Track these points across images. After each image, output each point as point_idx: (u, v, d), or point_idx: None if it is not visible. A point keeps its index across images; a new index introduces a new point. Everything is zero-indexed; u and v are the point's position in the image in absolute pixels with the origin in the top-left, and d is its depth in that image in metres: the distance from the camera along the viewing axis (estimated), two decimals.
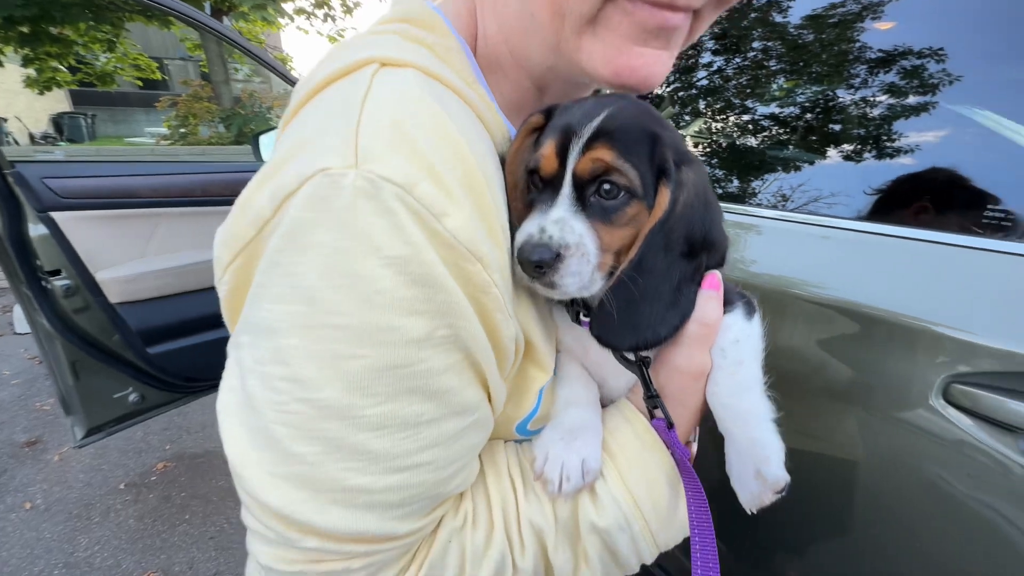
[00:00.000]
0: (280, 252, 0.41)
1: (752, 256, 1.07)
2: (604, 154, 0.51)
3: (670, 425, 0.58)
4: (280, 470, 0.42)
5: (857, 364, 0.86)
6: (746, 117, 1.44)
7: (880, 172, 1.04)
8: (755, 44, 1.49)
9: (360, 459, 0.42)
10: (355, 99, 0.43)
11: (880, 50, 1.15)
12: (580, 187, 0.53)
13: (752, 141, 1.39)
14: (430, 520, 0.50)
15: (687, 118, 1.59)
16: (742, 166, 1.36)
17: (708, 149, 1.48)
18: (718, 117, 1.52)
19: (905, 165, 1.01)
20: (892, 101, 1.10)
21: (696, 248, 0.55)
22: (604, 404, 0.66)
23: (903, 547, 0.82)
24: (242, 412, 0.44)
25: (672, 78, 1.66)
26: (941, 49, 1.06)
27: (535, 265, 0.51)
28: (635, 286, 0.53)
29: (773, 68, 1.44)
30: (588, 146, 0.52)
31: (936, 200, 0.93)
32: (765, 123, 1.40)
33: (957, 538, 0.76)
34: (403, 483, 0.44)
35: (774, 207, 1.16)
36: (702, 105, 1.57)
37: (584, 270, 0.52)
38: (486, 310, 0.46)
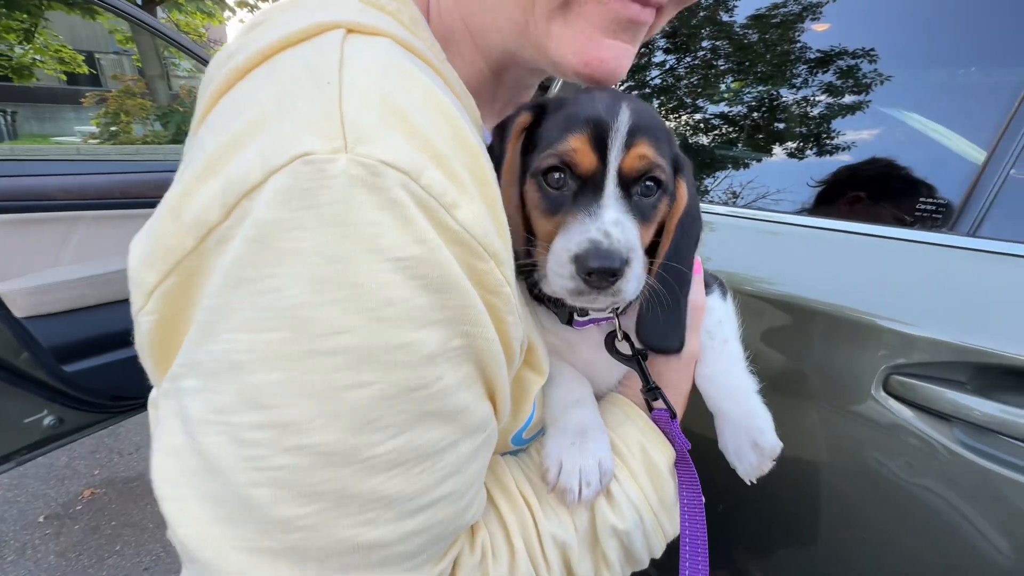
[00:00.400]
0: (246, 264, 0.33)
1: (704, 253, 1.07)
2: (648, 151, 0.50)
3: (673, 415, 0.59)
4: (265, 544, 0.34)
5: (800, 358, 0.87)
6: (696, 116, 1.46)
7: (818, 169, 1.06)
8: (703, 44, 1.51)
9: (372, 509, 0.35)
10: (328, 67, 0.36)
11: (819, 50, 1.18)
12: (624, 185, 0.51)
13: (701, 140, 1.40)
14: (448, 561, 0.44)
15: None
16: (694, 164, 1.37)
17: None
18: (669, 117, 1.52)
19: (841, 163, 1.04)
20: (830, 101, 1.13)
21: (696, 238, 0.58)
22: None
23: (852, 535, 0.83)
24: (197, 479, 0.35)
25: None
26: (872, 49, 1.10)
27: (609, 274, 0.47)
28: (673, 280, 0.54)
29: (721, 68, 1.46)
30: (630, 143, 0.50)
31: (872, 195, 0.96)
32: (714, 122, 1.42)
33: (901, 524, 0.77)
34: (422, 526, 0.38)
35: (723, 203, 1.17)
36: (655, 104, 1.57)
37: (640, 273, 0.50)
38: (498, 313, 0.41)
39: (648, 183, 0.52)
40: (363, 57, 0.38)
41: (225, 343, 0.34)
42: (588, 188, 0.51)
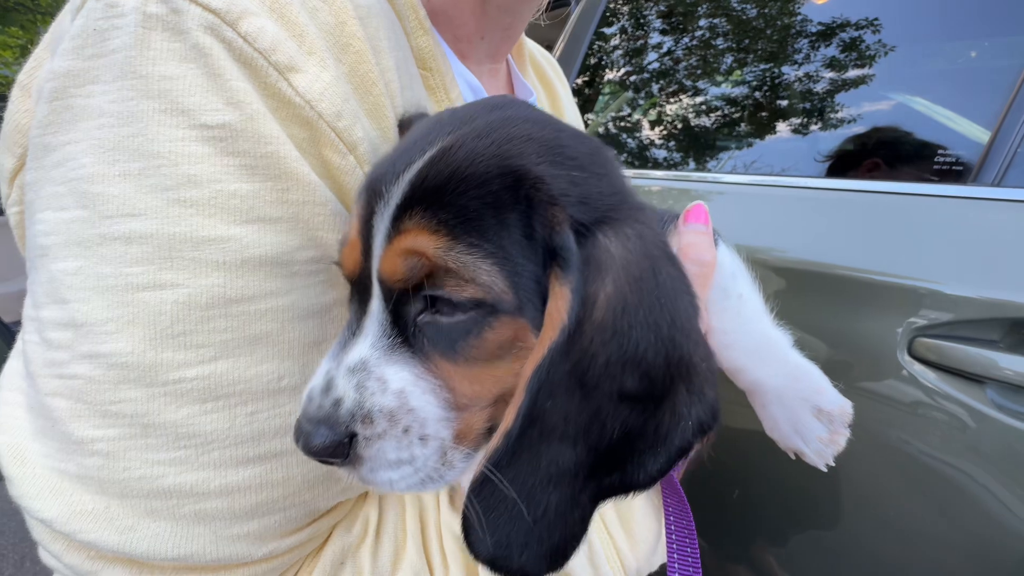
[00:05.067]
0: (47, 128, 0.28)
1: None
2: (419, 240, 0.28)
3: None
4: (64, 465, 0.29)
5: (816, 327, 0.83)
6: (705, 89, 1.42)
7: (831, 138, 1.03)
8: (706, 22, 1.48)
9: (180, 446, 0.29)
10: None
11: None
12: (399, 299, 0.30)
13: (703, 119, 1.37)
14: (307, 536, 0.35)
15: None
16: (698, 128, 1.33)
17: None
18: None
19: (854, 130, 1.00)
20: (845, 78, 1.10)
21: (656, 383, 0.29)
22: None
23: (878, 514, 0.79)
24: (25, 383, 0.31)
25: (622, 61, 1.63)
26: (876, 19, 1.06)
27: (318, 458, 0.29)
28: (530, 477, 0.29)
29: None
30: (397, 224, 0.29)
31: (888, 153, 0.92)
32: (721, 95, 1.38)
33: (930, 498, 0.73)
34: (253, 481, 0.31)
35: (730, 171, 1.13)
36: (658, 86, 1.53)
37: (418, 455, 0.30)
38: None
39: (441, 297, 0.29)
40: None
41: (38, 224, 0.29)
42: (358, 302, 0.32)
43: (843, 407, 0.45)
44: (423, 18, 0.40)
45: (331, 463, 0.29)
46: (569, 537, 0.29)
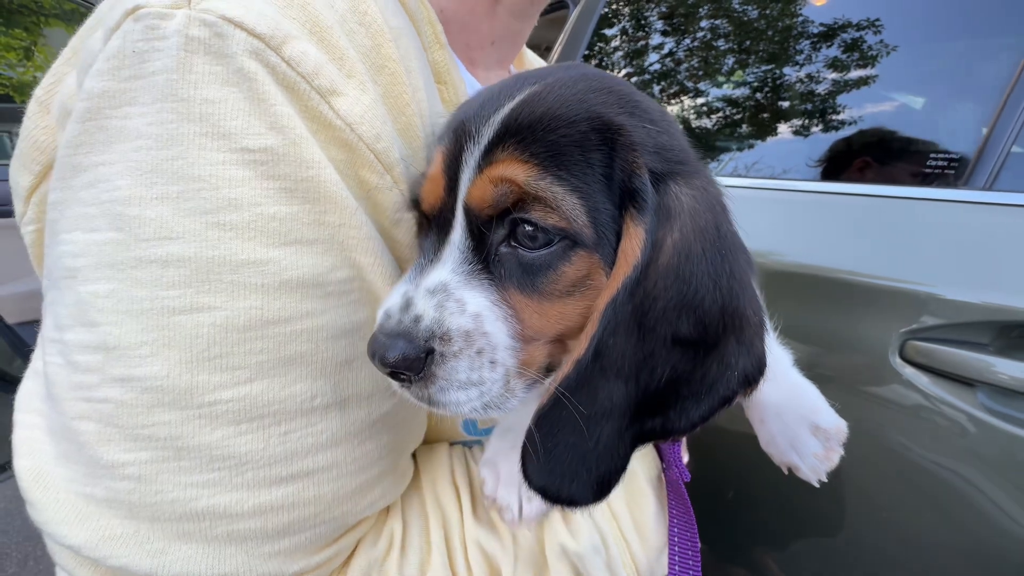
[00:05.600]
0: (78, 148, 0.28)
1: None
2: (512, 169, 0.30)
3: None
4: (91, 489, 0.29)
5: (808, 331, 0.83)
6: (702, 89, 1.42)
7: (825, 140, 1.03)
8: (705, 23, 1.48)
9: (214, 468, 0.29)
10: None
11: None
12: (482, 229, 0.33)
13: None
14: (335, 551, 0.36)
15: None
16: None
17: None
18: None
19: (845, 129, 1.00)
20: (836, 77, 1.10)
21: (709, 330, 0.31)
22: None
23: (872, 516, 0.79)
24: (47, 407, 0.30)
25: (621, 63, 1.63)
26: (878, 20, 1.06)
27: (389, 370, 0.30)
28: (590, 401, 0.31)
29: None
30: (488, 156, 0.31)
31: (880, 156, 0.92)
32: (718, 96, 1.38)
33: (922, 501, 0.73)
34: (285, 501, 0.31)
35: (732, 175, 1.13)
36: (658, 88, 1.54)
37: (487, 378, 0.31)
38: (401, 250, 0.34)
39: (527, 227, 0.31)
40: None
41: (64, 244, 0.29)
42: (436, 233, 0.34)
43: (839, 426, 0.47)
44: (440, 33, 0.41)
45: (402, 378, 0.30)
46: (613, 470, 0.32)
